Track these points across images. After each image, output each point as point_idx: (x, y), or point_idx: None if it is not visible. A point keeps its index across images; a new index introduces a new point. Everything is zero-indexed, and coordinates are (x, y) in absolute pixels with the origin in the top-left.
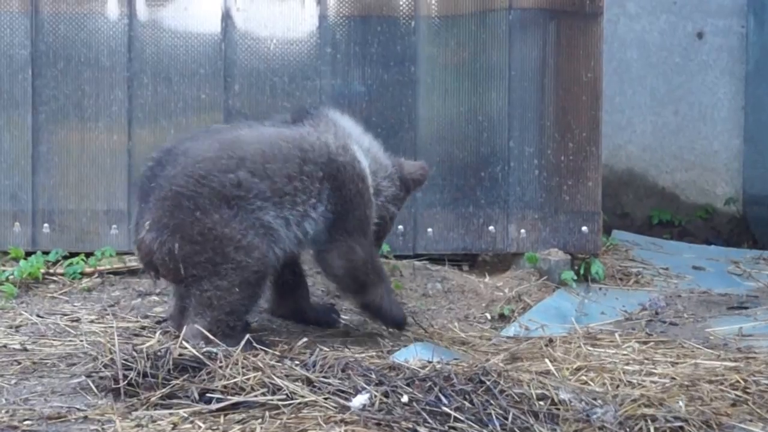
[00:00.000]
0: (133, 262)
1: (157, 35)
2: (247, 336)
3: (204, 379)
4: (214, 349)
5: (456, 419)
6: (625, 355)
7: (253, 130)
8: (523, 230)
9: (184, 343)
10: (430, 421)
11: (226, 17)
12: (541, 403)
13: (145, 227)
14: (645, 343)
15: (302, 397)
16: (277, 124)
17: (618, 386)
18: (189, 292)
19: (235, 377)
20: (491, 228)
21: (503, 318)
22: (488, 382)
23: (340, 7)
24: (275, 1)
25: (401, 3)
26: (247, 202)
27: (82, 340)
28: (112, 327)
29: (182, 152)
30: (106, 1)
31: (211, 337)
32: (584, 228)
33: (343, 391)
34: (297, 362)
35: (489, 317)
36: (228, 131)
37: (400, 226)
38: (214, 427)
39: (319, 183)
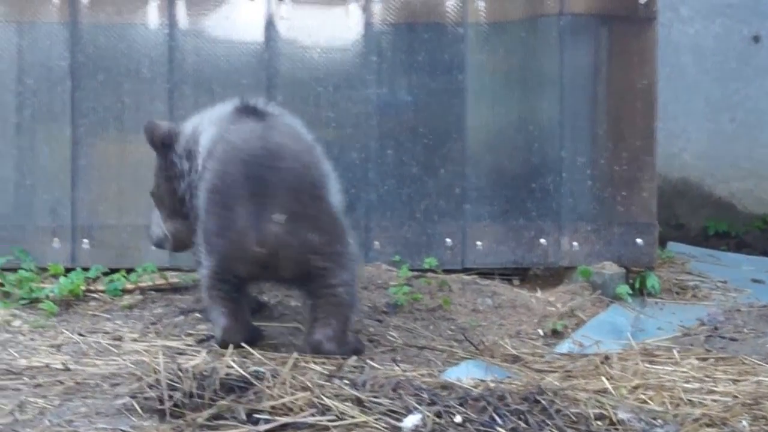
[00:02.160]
0: (175, 278)
1: (199, 45)
2: (295, 354)
3: (251, 400)
4: (261, 369)
5: None
6: (684, 372)
7: (285, 125)
8: (575, 243)
9: (230, 362)
10: None
11: (269, 26)
12: (600, 423)
13: (278, 221)
14: (704, 359)
15: (352, 417)
16: None
17: (678, 405)
18: (308, 292)
19: (283, 397)
20: (542, 241)
21: (556, 334)
22: (544, 402)
23: (385, 14)
24: (320, 9)
25: (449, 10)
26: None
27: (125, 360)
28: (155, 346)
29: (277, 145)
30: (146, 10)
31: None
32: (639, 240)
33: (394, 412)
34: (346, 381)
35: (541, 333)
36: (276, 124)
37: (449, 239)
38: None
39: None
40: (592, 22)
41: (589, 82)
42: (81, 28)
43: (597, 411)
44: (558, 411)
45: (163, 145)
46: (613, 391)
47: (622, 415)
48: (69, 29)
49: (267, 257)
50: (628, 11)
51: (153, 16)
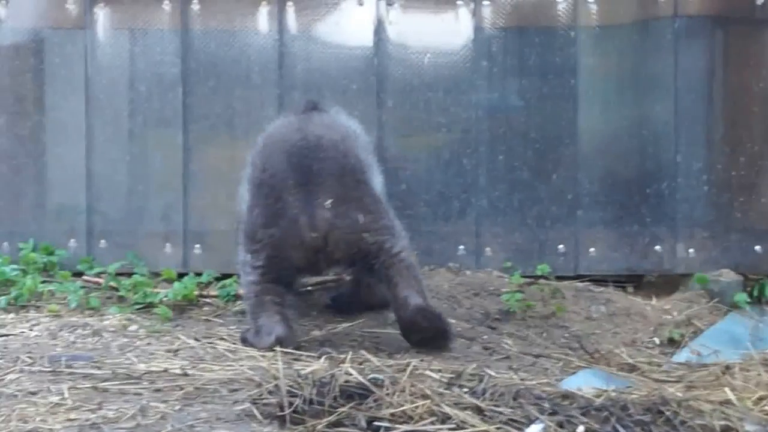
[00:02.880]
0: None
1: (308, 50)
2: (413, 362)
3: (371, 407)
4: (380, 376)
5: None
6: None
7: (327, 115)
8: (691, 250)
9: (348, 368)
10: None
11: (379, 31)
12: None
13: (325, 206)
14: None
15: (473, 426)
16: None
17: None
18: (376, 269)
19: (403, 405)
20: (657, 247)
21: (672, 343)
22: (667, 413)
23: (495, 18)
24: (429, 13)
25: (560, 13)
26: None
27: (242, 365)
28: (272, 351)
29: (315, 136)
30: (256, 17)
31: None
32: (757, 247)
33: (515, 421)
34: (466, 389)
35: (657, 342)
36: (312, 117)
37: (561, 246)
38: None
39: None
40: (707, 24)
41: (705, 86)
42: (192, 34)
43: (723, 423)
44: (682, 422)
45: None
46: (737, 403)
47: (750, 427)
48: (180, 36)
49: (319, 241)
50: (745, 12)
51: (263, 23)
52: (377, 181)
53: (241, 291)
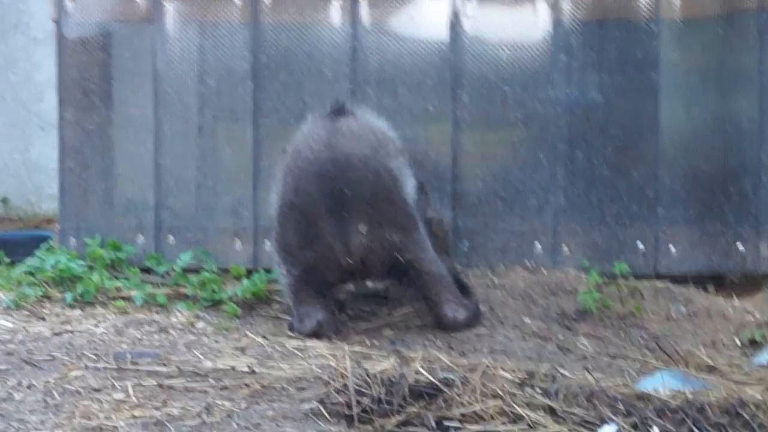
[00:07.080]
0: None
1: (382, 45)
2: (485, 362)
3: (441, 407)
4: (451, 375)
5: None
6: None
7: (354, 121)
8: None
9: (418, 367)
10: None
11: (455, 24)
12: None
13: (361, 232)
14: None
15: (545, 427)
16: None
17: None
18: (405, 282)
19: (473, 405)
20: (740, 246)
21: (754, 344)
22: (746, 415)
23: (575, 11)
24: (506, 6)
25: (641, 6)
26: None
27: (310, 364)
28: (340, 350)
29: (345, 155)
30: (329, 10)
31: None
32: None
33: (588, 422)
34: (538, 390)
35: (738, 343)
36: (340, 127)
37: (641, 244)
38: None
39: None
40: None
41: None
42: (263, 28)
43: None
44: (761, 425)
45: None
46: None
47: None
48: (251, 29)
49: (356, 265)
50: None
51: (336, 16)
52: (410, 187)
53: (280, 287)
